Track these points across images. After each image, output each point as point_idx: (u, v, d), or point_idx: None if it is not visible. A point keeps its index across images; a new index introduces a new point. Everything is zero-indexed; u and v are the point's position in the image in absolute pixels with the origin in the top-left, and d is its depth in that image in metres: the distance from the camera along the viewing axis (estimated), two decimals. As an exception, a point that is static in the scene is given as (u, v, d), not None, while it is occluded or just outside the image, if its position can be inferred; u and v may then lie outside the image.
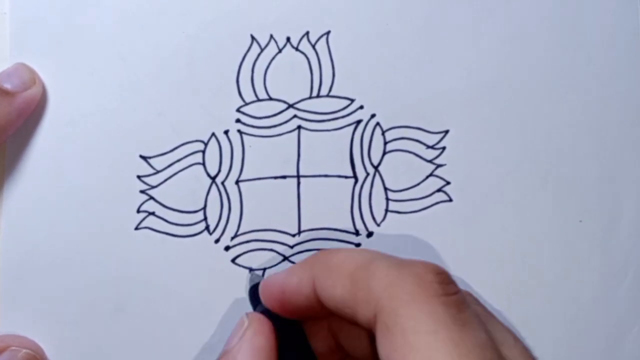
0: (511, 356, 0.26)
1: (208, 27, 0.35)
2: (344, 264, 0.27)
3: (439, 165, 0.36)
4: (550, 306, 0.37)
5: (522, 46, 0.37)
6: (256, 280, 0.33)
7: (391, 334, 0.24)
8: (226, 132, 0.35)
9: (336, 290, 0.27)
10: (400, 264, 0.26)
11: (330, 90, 0.36)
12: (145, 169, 0.35)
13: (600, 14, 0.38)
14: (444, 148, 0.36)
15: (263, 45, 0.35)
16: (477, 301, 0.29)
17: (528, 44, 0.37)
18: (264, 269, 0.35)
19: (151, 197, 0.35)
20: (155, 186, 0.35)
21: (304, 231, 0.36)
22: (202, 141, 0.35)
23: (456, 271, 0.36)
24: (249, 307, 0.35)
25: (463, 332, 0.24)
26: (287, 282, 0.29)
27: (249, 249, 0.35)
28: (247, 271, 0.35)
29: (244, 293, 0.35)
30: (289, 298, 0.29)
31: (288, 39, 0.36)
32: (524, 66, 0.37)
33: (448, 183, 0.36)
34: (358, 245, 0.36)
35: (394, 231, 0.36)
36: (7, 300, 0.34)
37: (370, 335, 0.29)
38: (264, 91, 0.35)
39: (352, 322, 0.27)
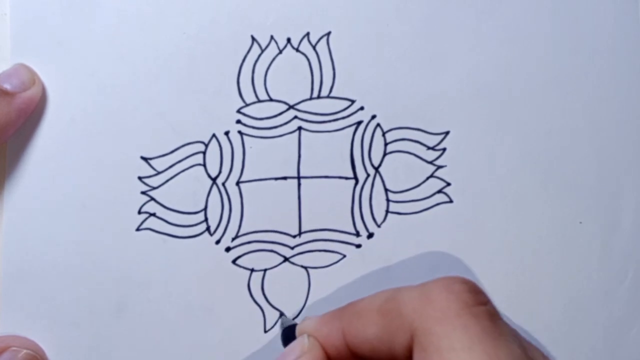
0: None
1: (208, 28, 0.35)
2: (371, 304, 0.27)
3: (439, 167, 0.36)
4: (550, 307, 0.37)
5: (522, 47, 0.37)
6: (287, 323, 0.33)
7: (427, 354, 0.24)
8: (227, 133, 0.35)
9: (369, 330, 0.27)
10: (427, 284, 0.26)
11: (330, 91, 0.36)
12: (146, 170, 0.35)
13: (600, 15, 0.38)
14: (444, 149, 0.36)
15: (264, 46, 0.35)
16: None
17: (528, 45, 0.37)
18: (264, 270, 0.35)
19: (152, 199, 0.35)
20: (156, 187, 0.35)
21: (305, 232, 0.36)
22: (202, 142, 0.35)
23: (456, 272, 0.36)
24: (249, 308, 0.35)
25: (497, 346, 0.24)
26: (318, 333, 0.29)
27: (250, 250, 0.35)
28: (248, 272, 0.35)
29: (244, 293, 0.35)
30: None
31: (288, 40, 0.36)
32: (524, 67, 0.37)
33: (448, 184, 0.36)
34: (359, 246, 0.36)
35: (395, 232, 0.36)
36: (7, 301, 0.34)
37: None
38: (264, 92, 0.35)
39: None
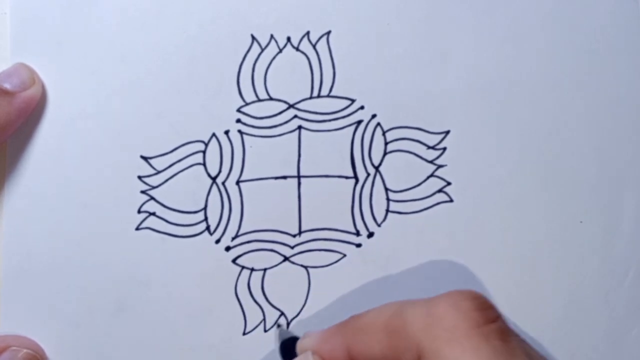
0: None
1: (208, 27, 0.35)
2: (376, 320, 0.26)
3: (439, 166, 0.36)
4: (550, 307, 0.37)
5: (522, 47, 0.37)
6: (285, 336, 0.33)
7: None
8: (227, 132, 0.35)
9: (374, 348, 0.26)
10: (434, 299, 0.25)
11: (330, 90, 0.36)
12: (146, 170, 0.35)
13: (600, 14, 0.38)
14: (444, 149, 0.36)
15: (263, 45, 0.35)
16: (521, 338, 0.27)
17: (528, 45, 0.37)
18: (264, 269, 0.35)
19: (152, 198, 0.35)
20: (156, 186, 0.35)
21: (305, 231, 0.36)
22: (202, 141, 0.35)
23: (456, 273, 0.36)
24: (249, 307, 0.35)
25: None
26: (321, 350, 0.28)
27: (250, 249, 0.35)
28: (248, 271, 0.35)
29: (244, 293, 0.35)
30: None
31: (288, 39, 0.36)
32: (525, 67, 0.37)
33: (449, 184, 0.36)
34: (359, 245, 0.36)
35: (395, 231, 0.36)
36: (7, 300, 0.34)
37: None
38: (264, 91, 0.35)
39: None
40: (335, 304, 0.35)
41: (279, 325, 0.35)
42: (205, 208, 0.35)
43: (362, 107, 0.36)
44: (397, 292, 0.36)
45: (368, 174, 0.36)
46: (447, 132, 0.36)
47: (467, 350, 0.23)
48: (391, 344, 0.25)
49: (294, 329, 0.35)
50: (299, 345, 0.29)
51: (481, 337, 0.24)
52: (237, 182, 0.35)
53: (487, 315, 0.25)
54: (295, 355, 0.30)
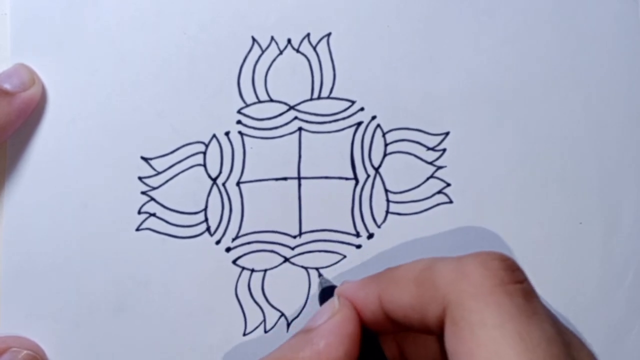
0: (578, 358, 0.25)
1: (209, 28, 0.35)
2: (408, 271, 0.27)
3: (439, 167, 0.36)
4: (550, 308, 0.36)
5: (522, 48, 0.37)
6: (325, 284, 0.34)
7: (459, 328, 0.24)
8: (227, 134, 0.35)
9: (403, 297, 0.27)
10: (464, 257, 0.26)
11: (331, 92, 0.36)
12: (146, 170, 0.35)
13: (600, 15, 0.38)
14: (444, 150, 0.36)
15: (264, 47, 0.35)
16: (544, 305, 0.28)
17: (528, 46, 0.37)
18: (264, 270, 0.35)
19: (152, 199, 0.35)
20: (157, 187, 0.35)
21: (305, 233, 0.36)
22: (203, 142, 0.35)
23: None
24: (249, 308, 0.35)
25: (530, 324, 0.23)
26: (356, 296, 0.29)
27: (250, 250, 0.35)
28: (248, 272, 0.35)
29: (244, 294, 0.35)
30: (358, 311, 0.29)
31: (289, 41, 0.36)
32: (524, 68, 0.37)
33: (448, 185, 0.36)
34: (359, 247, 0.36)
35: (395, 233, 0.36)
36: (8, 301, 0.34)
37: (437, 342, 0.29)
38: (265, 93, 0.35)
39: (421, 330, 0.26)
40: (335, 305, 0.36)
41: (320, 275, 0.35)
42: (205, 209, 0.35)
43: (362, 109, 0.36)
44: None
45: (368, 176, 0.36)
46: (447, 134, 0.37)
47: (490, 304, 0.24)
48: (419, 294, 0.26)
49: (295, 330, 0.35)
50: (337, 291, 0.30)
51: (505, 294, 0.24)
52: (238, 183, 0.35)
53: (513, 275, 0.25)
54: None
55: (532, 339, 0.23)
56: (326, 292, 0.32)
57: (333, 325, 0.28)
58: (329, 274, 0.36)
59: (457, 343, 0.24)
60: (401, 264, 0.28)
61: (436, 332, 0.26)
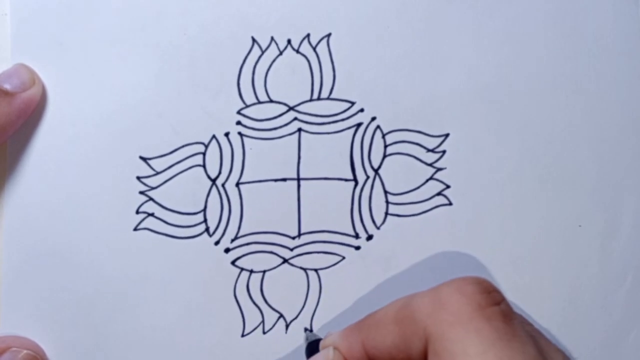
0: None
1: (209, 29, 0.35)
2: (387, 313, 0.27)
3: (439, 169, 0.36)
4: (549, 310, 0.37)
5: (522, 49, 0.37)
6: (311, 338, 0.34)
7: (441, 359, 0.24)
8: (227, 134, 0.35)
9: (386, 340, 0.27)
10: (439, 287, 0.26)
11: (330, 92, 0.36)
12: (145, 170, 0.35)
13: (600, 15, 0.38)
14: (444, 151, 0.36)
15: (264, 47, 0.35)
16: (526, 321, 0.28)
17: (528, 47, 0.37)
18: (263, 271, 0.35)
19: (151, 199, 0.35)
20: (155, 187, 0.35)
21: (304, 234, 0.36)
22: (202, 143, 0.35)
23: (456, 275, 0.36)
24: (248, 309, 0.35)
25: (512, 348, 0.23)
26: (340, 347, 0.29)
27: (249, 251, 0.35)
28: (247, 273, 0.35)
29: (243, 295, 0.35)
30: None
31: (289, 41, 0.35)
32: (524, 70, 0.37)
33: (448, 187, 0.36)
34: (358, 248, 0.36)
35: (394, 234, 0.36)
36: (8, 301, 0.34)
37: None
38: (264, 93, 0.35)
39: None
40: (334, 306, 0.36)
41: (306, 330, 0.35)
42: (204, 210, 0.35)
43: (361, 110, 0.36)
44: (396, 294, 0.35)
45: (367, 177, 0.36)
46: (447, 135, 0.36)
47: (469, 331, 0.24)
48: (401, 332, 0.26)
49: (294, 331, 0.35)
50: (322, 343, 0.30)
51: (484, 318, 0.24)
52: (237, 184, 0.35)
53: (490, 298, 0.25)
54: None
55: None
56: (312, 346, 0.32)
57: None
58: (329, 275, 0.36)
59: None
60: (380, 308, 0.28)
61: None
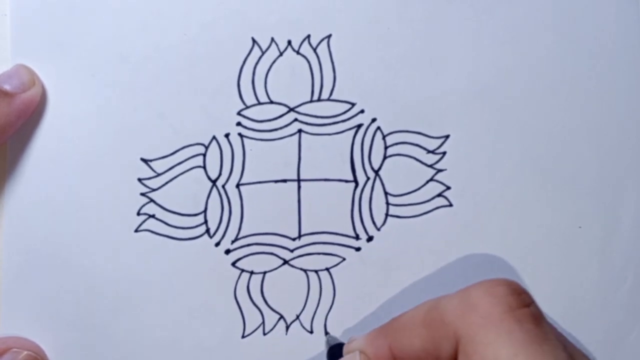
0: None
1: (209, 29, 0.35)
2: (414, 316, 0.27)
3: (439, 170, 0.36)
4: (549, 311, 0.37)
5: (522, 50, 0.37)
6: (333, 342, 0.33)
7: None
8: (227, 136, 0.35)
9: (415, 343, 0.26)
10: (468, 288, 0.26)
11: (331, 94, 0.36)
12: (146, 172, 0.35)
13: (600, 16, 0.38)
14: (444, 153, 0.36)
15: (264, 48, 0.35)
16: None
17: (528, 48, 0.37)
18: (263, 273, 0.35)
19: (152, 200, 0.35)
20: (156, 189, 0.35)
21: (305, 235, 0.36)
22: (203, 144, 0.35)
23: (455, 276, 0.36)
24: (248, 310, 0.35)
25: (543, 352, 0.23)
26: (367, 352, 0.29)
27: (250, 252, 0.35)
28: (247, 275, 0.35)
29: (244, 296, 0.35)
30: None
31: (289, 42, 0.35)
32: (524, 71, 0.37)
33: (448, 188, 0.36)
34: (358, 249, 0.36)
35: (394, 236, 0.36)
36: (8, 302, 0.34)
37: None
38: (265, 94, 0.35)
39: None
40: (334, 307, 0.36)
41: (327, 333, 0.35)
42: (205, 211, 0.35)
43: (362, 111, 0.36)
44: (396, 295, 0.36)
45: (368, 178, 0.36)
46: (447, 137, 0.36)
47: (500, 334, 0.24)
48: (430, 335, 0.26)
49: (294, 332, 0.35)
50: (347, 348, 0.30)
51: (514, 320, 0.24)
52: (237, 185, 0.35)
53: (520, 299, 0.25)
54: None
55: None
56: (334, 350, 0.32)
57: None
58: (329, 276, 0.36)
59: None
60: (406, 311, 0.28)
61: None
